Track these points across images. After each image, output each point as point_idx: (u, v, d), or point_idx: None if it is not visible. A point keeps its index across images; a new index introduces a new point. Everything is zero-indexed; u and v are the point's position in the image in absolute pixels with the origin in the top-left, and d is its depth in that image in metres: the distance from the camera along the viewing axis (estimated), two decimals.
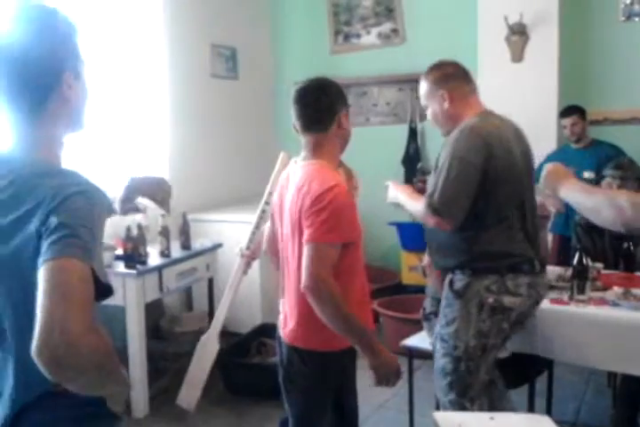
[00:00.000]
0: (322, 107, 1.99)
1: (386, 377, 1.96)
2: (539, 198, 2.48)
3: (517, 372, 2.93)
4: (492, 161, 2.25)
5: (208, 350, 2.88)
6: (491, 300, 2.31)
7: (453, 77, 2.44)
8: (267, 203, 2.95)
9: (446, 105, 2.40)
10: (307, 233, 1.87)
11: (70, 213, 1.10)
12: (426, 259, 2.75)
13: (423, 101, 2.52)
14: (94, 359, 1.02)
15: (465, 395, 2.37)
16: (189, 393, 2.90)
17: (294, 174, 2.05)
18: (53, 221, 1.08)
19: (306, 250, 1.86)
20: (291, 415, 2.10)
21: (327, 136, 2.01)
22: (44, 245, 1.07)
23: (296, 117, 2.03)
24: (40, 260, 1.06)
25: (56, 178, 1.16)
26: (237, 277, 3.07)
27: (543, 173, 2.00)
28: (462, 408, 2.39)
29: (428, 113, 2.51)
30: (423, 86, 2.49)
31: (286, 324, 2.06)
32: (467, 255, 2.35)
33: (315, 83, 2.02)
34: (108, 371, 1.08)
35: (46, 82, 1.20)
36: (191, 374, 2.92)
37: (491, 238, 2.32)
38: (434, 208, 2.23)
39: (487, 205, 2.28)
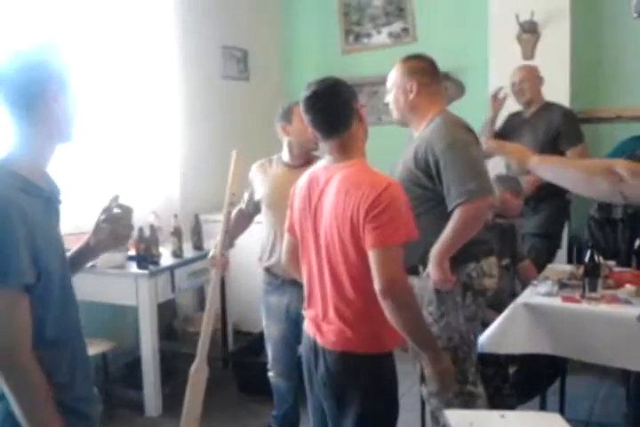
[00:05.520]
0: (338, 109, 1.88)
1: (450, 382, 1.95)
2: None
3: (528, 385, 2.93)
4: (478, 143, 2.39)
5: (199, 379, 2.73)
6: (475, 286, 2.40)
7: (427, 73, 2.50)
8: (232, 203, 2.87)
9: (411, 96, 2.46)
10: (371, 237, 1.76)
11: None
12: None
13: (389, 85, 2.55)
14: None
15: (467, 381, 2.44)
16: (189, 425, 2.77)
17: (326, 178, 1.93)
18: None
19: (374, 254, 1.76)
20: None
21: (351, 134, 1.90)
22: None
23: (314, 126, 1.91)
24: None
25: None
26: (216, 297, 2.69)
27: (502, 151, 2.17)
28: (469, 395, 2.44)
29: (389, 97, 2.55)
30: (394, 73, 2.53)
31: (328, 333, 1.91)
32: None
33: (321, 86, 1.88)
34: None
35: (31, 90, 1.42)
36: (188, 405, 2.77)
37: None
38: (472, 193, 2.24)
39: None
